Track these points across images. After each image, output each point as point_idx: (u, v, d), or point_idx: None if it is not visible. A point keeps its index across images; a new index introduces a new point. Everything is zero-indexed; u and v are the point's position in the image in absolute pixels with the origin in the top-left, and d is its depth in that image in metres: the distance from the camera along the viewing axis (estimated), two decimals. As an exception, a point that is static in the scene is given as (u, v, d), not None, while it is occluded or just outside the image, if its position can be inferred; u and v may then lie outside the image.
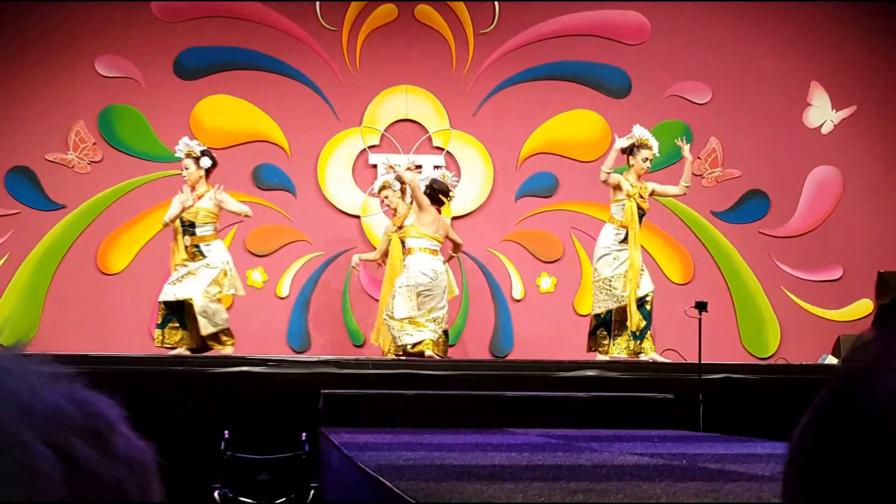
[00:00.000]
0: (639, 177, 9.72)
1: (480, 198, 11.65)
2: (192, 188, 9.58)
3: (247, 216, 9.72)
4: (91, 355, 9.10)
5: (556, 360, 9.24)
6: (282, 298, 11.45)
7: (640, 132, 9.70)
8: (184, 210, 9.47)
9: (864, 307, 11.59)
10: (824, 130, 11.88)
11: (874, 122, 11.87)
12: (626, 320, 9.55)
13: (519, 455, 4.88)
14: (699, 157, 11.80)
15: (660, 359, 9.52)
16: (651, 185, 9.80)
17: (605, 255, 9.67)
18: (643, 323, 9.54)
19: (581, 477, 3.71)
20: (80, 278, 11.23)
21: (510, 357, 11.36)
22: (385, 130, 11.65)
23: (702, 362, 8.23)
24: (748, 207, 11.39)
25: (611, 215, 9.77)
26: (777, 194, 11.78)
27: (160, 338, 9.54)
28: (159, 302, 9.66)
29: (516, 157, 11.74)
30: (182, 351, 9.42)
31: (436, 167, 11.27)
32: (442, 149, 11.67)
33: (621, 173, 9.71)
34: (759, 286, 11.69)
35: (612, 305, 9.57)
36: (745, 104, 11.69)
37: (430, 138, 11.69)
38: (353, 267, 10.60)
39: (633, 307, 9.51)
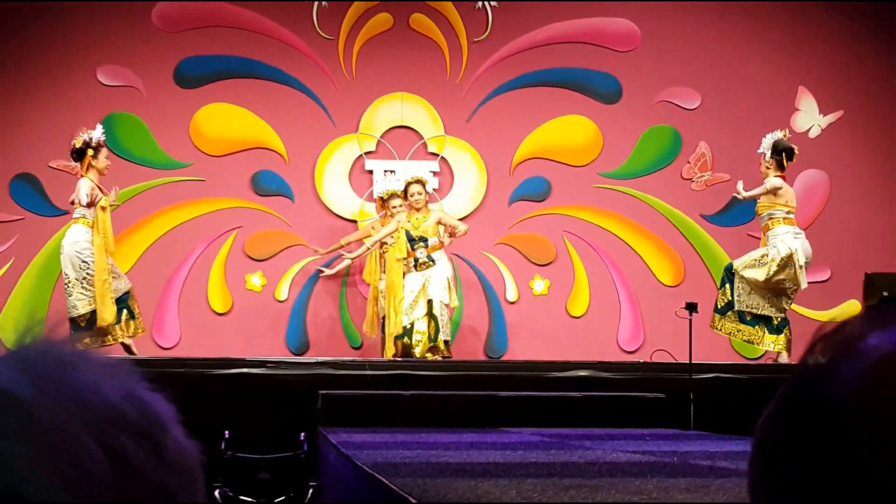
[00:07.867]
0: None
1: (474, 202, 11.74)
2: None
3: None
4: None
5: (550, 361, 9.30)
6: (280, 302, 11.54)
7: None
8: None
9: (851, 308, 11.69)
10: (812, 135, 11.93)
11: (860, 127, 11.94)
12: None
13: (513, 453, 4.91)
14: (688, 162, 11.95)
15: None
16: None
17: (788, 233, 9.84)
18: None
19: (574, 474, 3.72)
20: (83, 283, 11.32)
21: (504, 358, 11.42)
22: (381, 137, 11.77)
23: (692, 362, 8.29)
24: (737, 211, 11.43)
25: (783, 210, 9.84)
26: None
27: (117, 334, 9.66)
28: None
29: (509, 162, 11.82)
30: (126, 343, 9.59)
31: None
32: (437, 154, 11.76)
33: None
34: (748, 288, 11.79)
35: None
36: (733, 109, 11.75)
37: (424, 144, 11.78)
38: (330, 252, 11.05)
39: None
